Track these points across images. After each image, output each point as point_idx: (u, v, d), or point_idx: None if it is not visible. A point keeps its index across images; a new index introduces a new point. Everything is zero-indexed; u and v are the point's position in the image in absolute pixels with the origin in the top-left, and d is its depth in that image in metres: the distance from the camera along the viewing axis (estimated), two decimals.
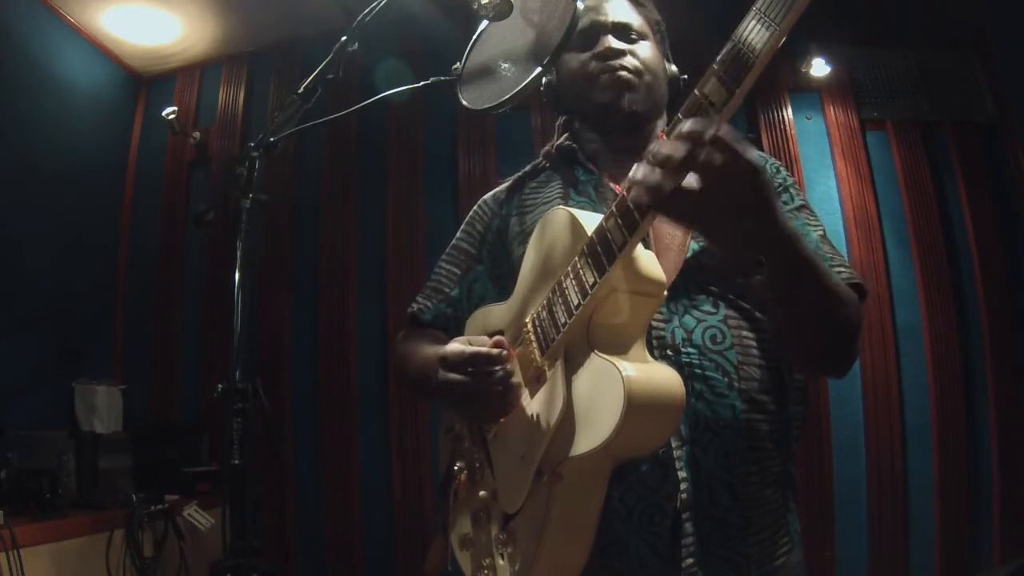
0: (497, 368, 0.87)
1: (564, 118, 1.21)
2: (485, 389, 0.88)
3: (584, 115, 1.15)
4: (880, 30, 2.86)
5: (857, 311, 0.91)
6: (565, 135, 1.17)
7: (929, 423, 2.49)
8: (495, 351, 0.88)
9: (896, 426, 2.50)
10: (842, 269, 0.97)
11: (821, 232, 1.02)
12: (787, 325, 0.89)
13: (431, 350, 1.04)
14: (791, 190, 1.05)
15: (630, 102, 1.06)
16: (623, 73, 1.06)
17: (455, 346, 0.92)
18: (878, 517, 2.45)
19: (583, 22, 1.03)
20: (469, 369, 0.88)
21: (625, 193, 0.77)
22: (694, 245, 0.96)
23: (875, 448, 2.49)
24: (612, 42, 1.07)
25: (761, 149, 2.45)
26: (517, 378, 0.91)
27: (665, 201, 0.68)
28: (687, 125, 0.67)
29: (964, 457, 2.46)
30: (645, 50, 1.09)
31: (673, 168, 0.67)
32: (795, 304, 0.84)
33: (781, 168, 1.09)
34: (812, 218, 1.03)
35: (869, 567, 2.42)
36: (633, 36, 1.10)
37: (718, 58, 0.68)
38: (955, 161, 2.74)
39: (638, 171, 0.71)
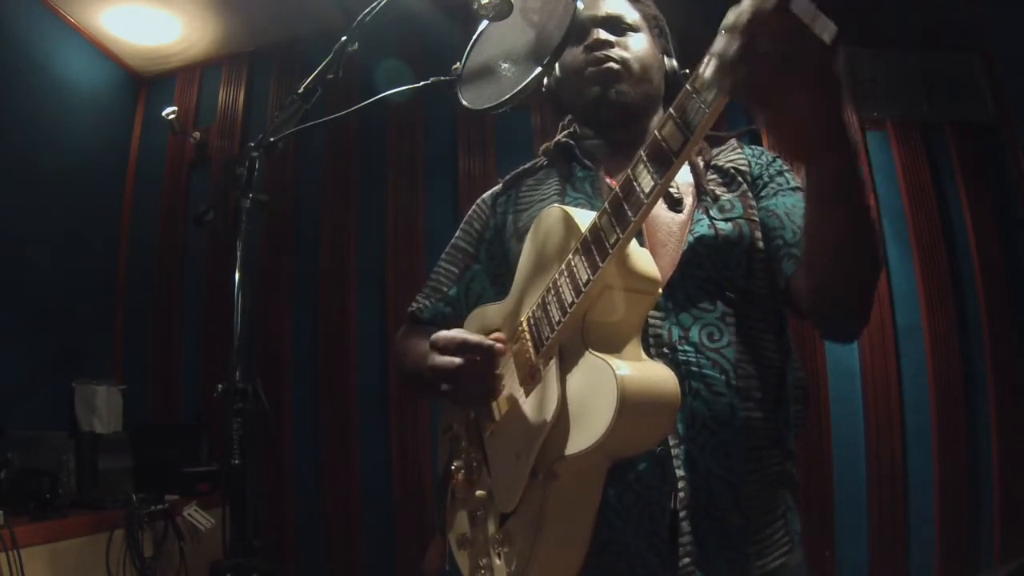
0: (481, 359, 0.89)
1: (568, 118, 1.21)
2: (469, 373, 0.90)
3: (578, 111, 1.16)
4: (880, 30, 2.86)
5: None
6: (564, 133, 1.18)
7: (929, 423, 2.49)
8: (486, 342, 0.90)
9: (896, 426, 2.49)
10: None
11: None
12: (836, 240, 0.80)
13: (426, 346, 1.04)
14: (786, 174, 1.05)
15: (618, 93, 1.07)
16: (611, 64, 1.07)
17: (445, 332, 0.94)
18: (878, 517, 2.44)
19: None
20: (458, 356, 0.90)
21: (617, 185, 0.76)
22: (690, 238, 0.96)
23: (875, 448, 2.49)
24: (600, 34, 1.08)
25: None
26: (502, 371, 0.93)
27: (740, 73, 0.64)
28: None
29: (964, 457, 2.46)
30: (637, 42, 1.10)
31: (744, 31, 0.63)
32: (850, 213, 0.77)
33: (777, 158, 1.09)
34: None
35: (869, 567, 2.41)
36: (624, 28, 1.11)
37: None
38: (955, 161, 2.73)
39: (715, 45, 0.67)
